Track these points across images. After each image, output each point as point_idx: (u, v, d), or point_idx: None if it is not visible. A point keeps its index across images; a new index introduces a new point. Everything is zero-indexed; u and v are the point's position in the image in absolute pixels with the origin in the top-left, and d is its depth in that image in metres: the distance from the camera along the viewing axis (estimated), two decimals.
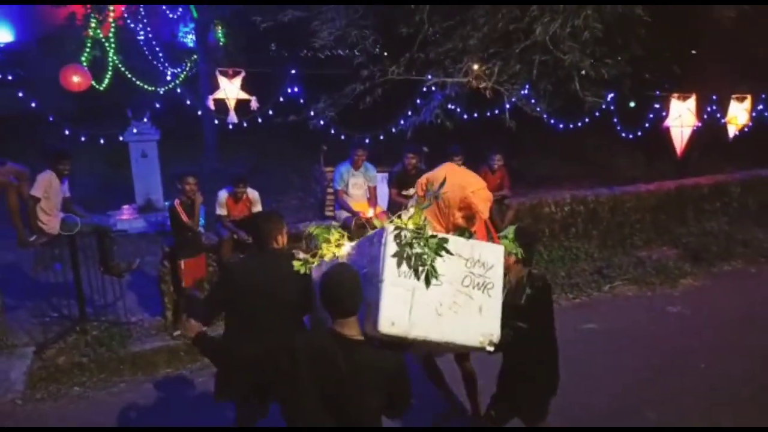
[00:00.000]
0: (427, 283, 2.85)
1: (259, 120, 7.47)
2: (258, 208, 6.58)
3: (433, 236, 2.90)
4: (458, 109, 8.08)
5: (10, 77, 6.45)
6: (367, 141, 7.53)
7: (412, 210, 3.03)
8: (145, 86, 10.96)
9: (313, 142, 8.89)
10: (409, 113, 7.90)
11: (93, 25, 10.80)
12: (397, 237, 2.85)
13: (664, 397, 4.95)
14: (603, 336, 6.16)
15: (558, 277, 7.48)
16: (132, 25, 11.57)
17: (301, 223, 6.88)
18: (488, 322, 2.98)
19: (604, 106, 7.93)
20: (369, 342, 2.73)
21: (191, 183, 6.15)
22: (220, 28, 13.22)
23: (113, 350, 5.75)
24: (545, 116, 7.72)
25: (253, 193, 6.64)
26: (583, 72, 6.69)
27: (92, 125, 8.02)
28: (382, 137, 7.68)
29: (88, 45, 10.95)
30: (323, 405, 2.63)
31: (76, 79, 7.24)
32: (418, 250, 2.83)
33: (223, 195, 6.44)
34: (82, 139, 7.37)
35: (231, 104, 7.49)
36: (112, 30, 10.80)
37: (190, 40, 14.67)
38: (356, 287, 2.67)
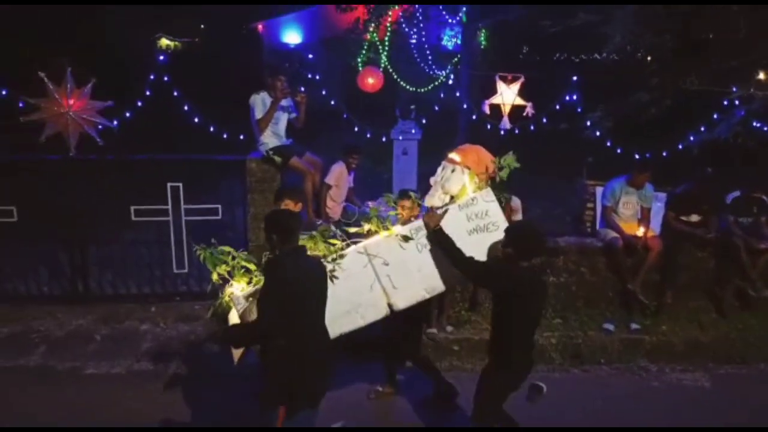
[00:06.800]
0: None
1: (532, 127, 7.28)
2: (518, 216, 6.40)
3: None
4: (765, 128, 6.88)
5: (318, 77, 7.16)
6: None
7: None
8: (409, 87, 11.52)
9: (574, 154, 8.44)
10: (701, 129, 6.94)
11: (371, 29, 11.69)
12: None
13: None
14: None
15: None
16: (406, 29, 12.24)
17: (556, 236, 6.59)
18: None
19: None
20: None
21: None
22: (483, 32, 13.30)
23: None
24: None
25: (515, 202, 6.47)
26: None
27: (363, 123, 8.64)
28: (665, 154, 6.87)
29: (364, 48, 11.88)
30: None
31: (370, 80, 7.84)
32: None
33: None
34: (368, 135, 7.94)
35: (506, 109, 7.40)
36: (388, 34, 11.58)
37: (451, 43, 15.07)
38: None
